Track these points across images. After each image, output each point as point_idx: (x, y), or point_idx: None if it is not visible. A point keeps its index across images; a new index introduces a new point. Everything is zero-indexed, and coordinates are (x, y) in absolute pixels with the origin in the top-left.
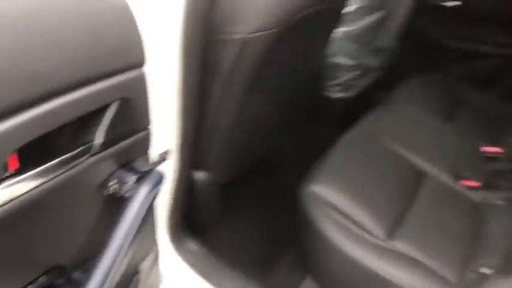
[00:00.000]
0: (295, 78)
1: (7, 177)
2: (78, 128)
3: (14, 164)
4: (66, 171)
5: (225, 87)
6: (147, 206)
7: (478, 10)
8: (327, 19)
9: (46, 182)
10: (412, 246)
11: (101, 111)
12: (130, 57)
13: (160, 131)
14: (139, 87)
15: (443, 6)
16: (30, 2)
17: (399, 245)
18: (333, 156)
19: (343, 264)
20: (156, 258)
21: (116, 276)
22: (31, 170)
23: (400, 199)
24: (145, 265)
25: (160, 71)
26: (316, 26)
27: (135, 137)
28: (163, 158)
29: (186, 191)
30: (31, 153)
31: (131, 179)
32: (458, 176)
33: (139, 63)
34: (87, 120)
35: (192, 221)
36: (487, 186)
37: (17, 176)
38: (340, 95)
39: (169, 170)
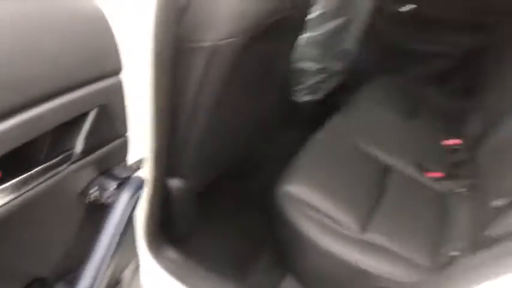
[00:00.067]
0: (264, 84)
1: None
2: (58, 136)
3: None
4: (48, 179)
5: (196, 95)
6: (129, 211)
7: (431, 14)
8: (293, 25)
9: (28, 191)
10: (385, 237)
11: (80, 118)
12: (107, 65)
13: (135, 139)
14: (116, 94)
15: (400, 10)
16: (8, 14)
17: (373, 237)
18: (304, 157)
19: (321, 258)
20: (137, 268)
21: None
22: (13, 179)
23: (370, 193)
24: (126, 275)
25: (134, 80)
26: (282, 32)
27: (113, 143)
28: (138, 166)
29: (162, 199)
30: (12, 163)
31: (112, 185)
32: (422, 169)
33: (116, 70)
34: (67, 128)
35: (170, 229)
36: (450, 176)
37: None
38: (307, 98)
39: (145, 178)
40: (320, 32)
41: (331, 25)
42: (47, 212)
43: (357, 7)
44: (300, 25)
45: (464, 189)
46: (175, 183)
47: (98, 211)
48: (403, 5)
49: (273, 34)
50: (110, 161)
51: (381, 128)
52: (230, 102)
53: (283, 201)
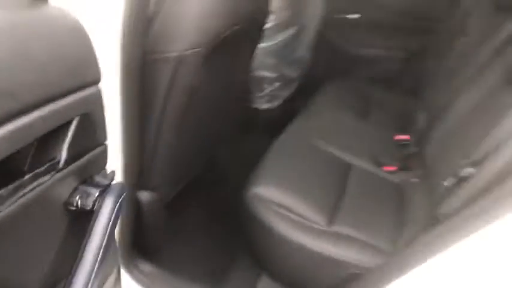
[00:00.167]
0: (226, 92)
1: None
2: (41, 146)
3: None
4: (34, 189)
5: (164, 105)
6: (114, 218)
7: (375, 21)
8: (251, 36)
9: (15, 201)
10: (351, 227)
11: (63, 127)
12: (88, 74)
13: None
14: (96, 102)
15: (347, 18)
16: None
17: (340, 228)
18: (269, 160)
19: (293, 252)
20: (117, 279)
21: None
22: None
23: (333, 189)
24: (107, 287)
25: (103, 92)
26: (242, 43)
27: (95, 151)
28: (113, 176)
29: (133, 212)
30: None
31: (95, 192)
32: (379, 164)
33: (96, 80)
34: (50, 137)
35: (142, 242)
36: (403, 168)
37: None
38: (266, 105)
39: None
40: (274, 42)
41: (284, 35)
42: (33, 222)
43: (308, 16)
44: (257, 35)
45: (417, 179)
46: (145, 195)
47: (83, 219)
48: (350, 13)
49: (233, 44)
50: (91, 168)
51: (338, 129)
52: (195, 111)
53: (253, 202)
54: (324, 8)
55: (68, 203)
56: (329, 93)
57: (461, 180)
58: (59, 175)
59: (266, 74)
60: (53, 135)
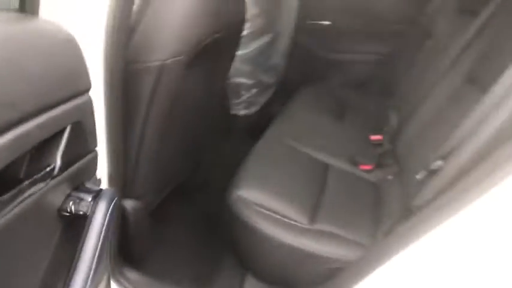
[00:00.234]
0: (206, 100)
1: None
2: (36, 154)
3: None
4: (31, 195)
5: (146, 113)
6: (108, 221)
7: (346, 27)
8: (229, 44)
9: (13, 208)
10: (331, 225)
11: (56, 135)
12: (80, 84)
13: None
14: (87, 110)
15: (319, 24)
16: None
17: (321, 226)
18: (250, 164)
19: (277, 250)
20: (107, 285)
21: None
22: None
23: (313, 189)
24: None
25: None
26: (220, 51)
27: (86, 158)
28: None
29: (118, 220)
30: None
31: (87, 198)
32: (355, 163)
33: (86, 88)
34: (45, 145)
35: (128, 250)
36: (378, 167)
37: None
38: (244, 112)
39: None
40: (250, 49)
41: (259, 42)
42: (29, 227)
43: (282, 24)
44: (235, 43)
45: (391, 176)
46: (129, 204)
47: (76, 224)
48: (321, 20)
49: (214, 51)
50: (82, 175)
51: (315, 131)
52: (178, 118)
53: (236, 205)
54: (297, 15)
55: (61, 209)
56: (305, 97)
57: (432, 173)
58: (53, 182)
59: (243, 80)
60: (47, 143)
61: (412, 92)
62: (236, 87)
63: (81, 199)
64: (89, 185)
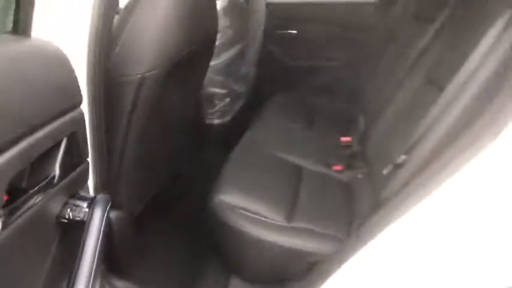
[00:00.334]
0: (184, 110)
1: None
2: (37, 164)
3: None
4: (34, 204)
5: (127, 125)
6: (104, 226)
7: (312, 35)
8: (203, 55)
9: (20, 216)
10: (308, 222)
11: (53, 146)
12: (74, 98)
13: None
14: (81, 123)
15: (286, 34)
16: None
17: (298, 223)
18: (229, 170)
19: (259, 248)
20: None
21: None
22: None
23: (289, 191)
24: None
25: None
26: (197, 61)
27: (80, 167)
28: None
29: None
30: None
31: (83, 205)
32: (327, 164)
33: (79, 102)
34: (43, 156)
35: (112, 259)
36: (349, 167)
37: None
38: (219, 120)
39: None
40: (221, 59)
41: (230, 53)
42: (32, 234)
43: (251, 34)
44: (209, 54)
45: (361, 175)
46: (113, 213)
47: (73, 229)
48: (288, 29)
49: (189, 63)
50: (77, 183)
51: (288, 136)
52: (156, 127)
53: (219, 209)
54: (265, 25)
55: (60, 216)
56: (276, 105)
57: (397, 167)
58: (53, 190)
59: (216, 90)
60: (45, 154)
61: (377, 95)
62: (210, 96)
63: (78, 206)
64: (82, 193)
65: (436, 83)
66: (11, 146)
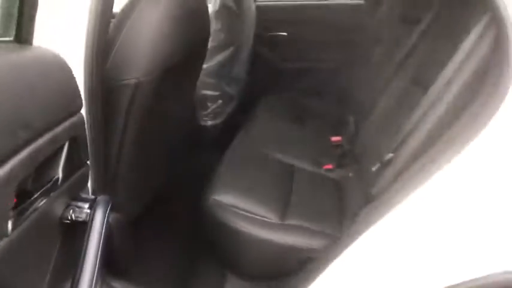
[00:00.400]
0: (178, 112)
1: None
2: (41, 168)
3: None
4: (39, 207)
5: (123, 129)
6: (106, 226)
7: (302, 36)
8: (196, 59)
9: (27, 218)
10: (300, 219)
11: (56, 150)
12: (76, 103)
13: None
14: (81, 127)
15: (276, 36)
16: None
17: (291, 221)
18: (222, 170)
19: (255, 246)
20: None
21: None
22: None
23: (282, 189)
24: None
25: None
26: (191, 64)
27: (80, 171)
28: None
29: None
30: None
31: (85, 206)
32: (319, 164)
33: (80, 107)
34: (47, 160)
35: (110, 261)
36: (339, 166)
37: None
38: (212, 122)
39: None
40: (214, 62)
41: (222, 55)
42: (38, 236)
43: (243, 37)
44: (202, 58)
45: (351, 173)
46: (111, 216)
47: (75, 229)
48: (277, 31)
49: (184, 67)
50: (78, 185)
51: (279, 137)
52: (152, 130)
53: (213, 208)
54: (256, 27)
55: (62, 217)
56: (268, 106)
57: (385, 164)
58: (56, 193)
59: (209, 92)
60: (48, 158)
61: (366, 95)
62: (203, 98)
63: (80, 207)
64: (83, 195)
65: (421, 84)
66: (20, 151)
